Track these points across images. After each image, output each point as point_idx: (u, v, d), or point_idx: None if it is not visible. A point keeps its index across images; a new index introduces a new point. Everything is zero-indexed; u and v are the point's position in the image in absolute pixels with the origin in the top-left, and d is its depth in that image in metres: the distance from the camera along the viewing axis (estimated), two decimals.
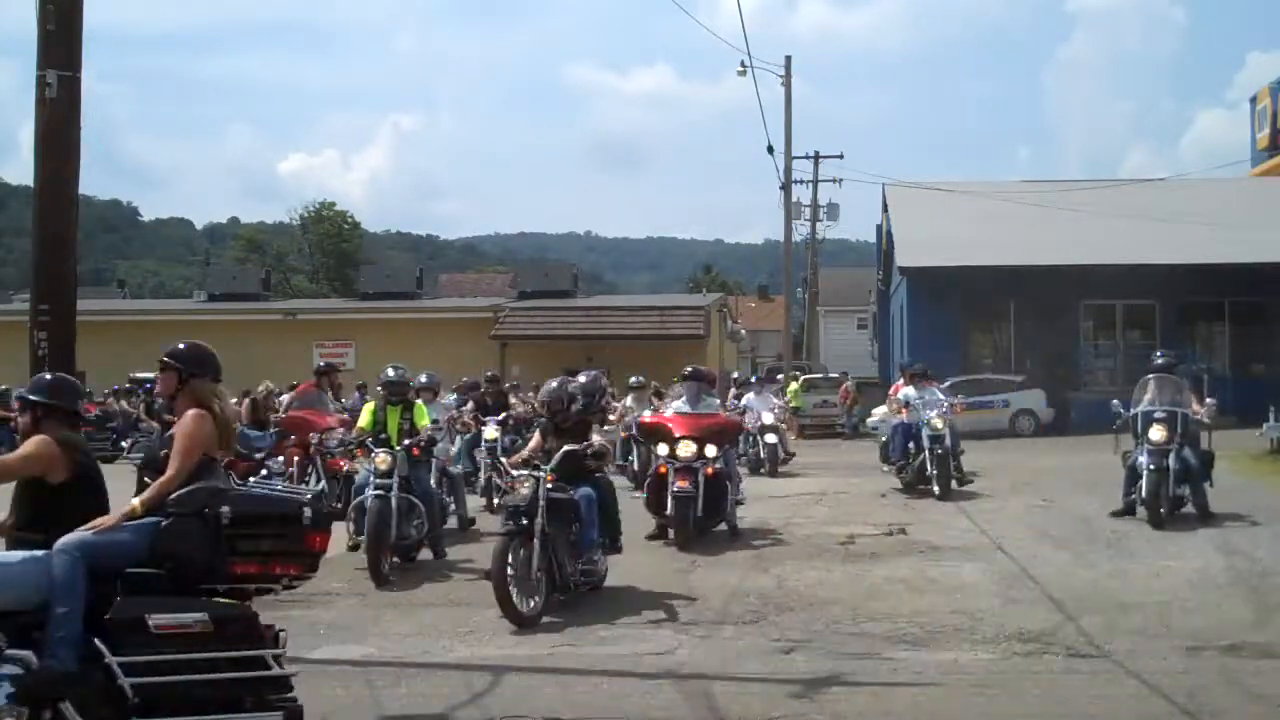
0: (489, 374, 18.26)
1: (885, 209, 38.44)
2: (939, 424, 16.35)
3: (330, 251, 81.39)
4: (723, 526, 13.31)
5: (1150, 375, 13.87)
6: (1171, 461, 12.91)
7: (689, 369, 14.56)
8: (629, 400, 20.11)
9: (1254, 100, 41.84)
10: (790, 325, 46.58)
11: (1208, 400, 13.95)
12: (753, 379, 25.90)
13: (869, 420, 31.94)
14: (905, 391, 17.25)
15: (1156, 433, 13.04)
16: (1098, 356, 32.46)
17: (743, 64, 33.67)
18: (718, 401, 15.32)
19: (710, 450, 12.78)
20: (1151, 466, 12.88)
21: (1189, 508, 13.21)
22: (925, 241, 31.92)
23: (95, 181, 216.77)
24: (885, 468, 18.43)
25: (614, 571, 11.06)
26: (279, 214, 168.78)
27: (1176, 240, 29.84)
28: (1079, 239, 30.65)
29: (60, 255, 9.12)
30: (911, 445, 16.75)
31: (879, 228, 42.86)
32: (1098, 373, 32.01)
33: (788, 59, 38.20)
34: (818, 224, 49.43)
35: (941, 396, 17.21)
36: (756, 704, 6.80)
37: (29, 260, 9.44)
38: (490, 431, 16.78)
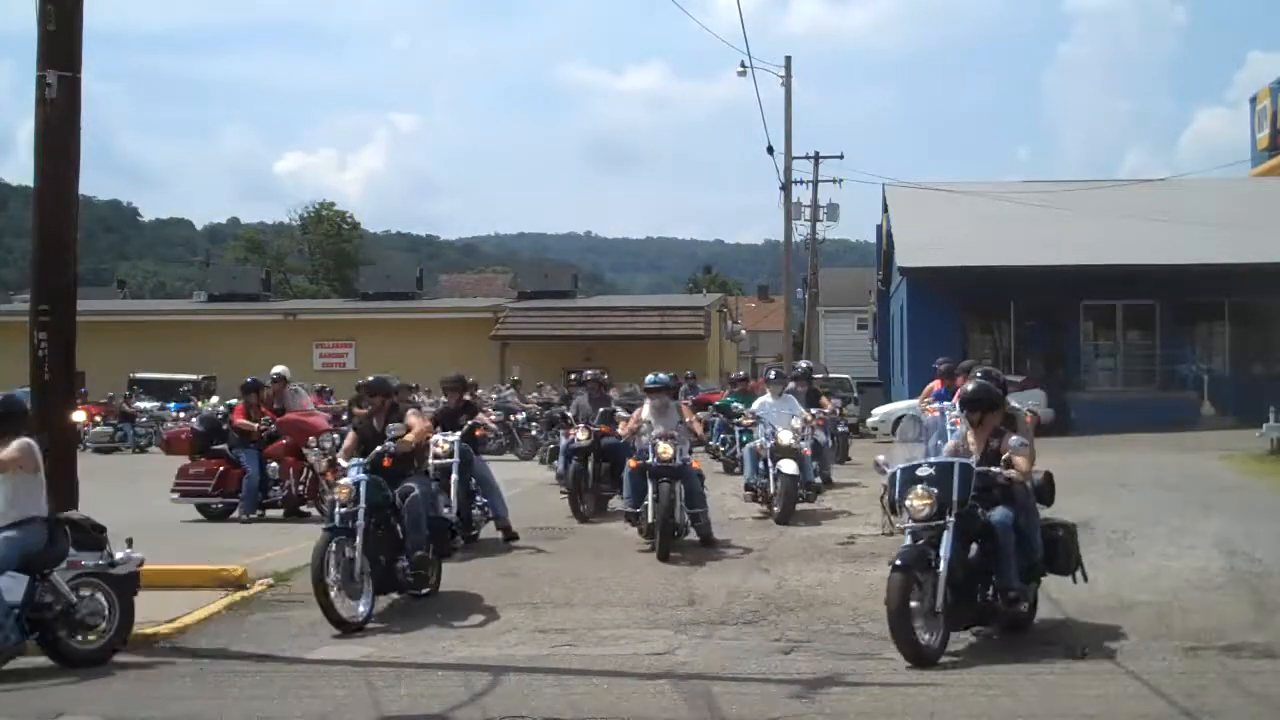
0: (453, 375, 14.28)
1: (885, 209, 38.41)
2: None
3: (330, 252, 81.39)
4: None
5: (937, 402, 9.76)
6: (944, 551, 7.88)
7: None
8: (645, 411, 13.42)
9: (1254, 100, 41.82)
10: (790, 325, 46.57)
11: (1030, 408, 9.75)
12: (771, 374, 17.76)
13: (869, 420, 31.96)
14: None
15: (917, 500, 8.10)
16: (1098, 356, 32.43)
17: (742, 64, 33.67)
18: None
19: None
20: (900, 562, 7.87)
21: (1025, 608, 8.39)
22: (925, 241, 31.90)
23: (95, 181, 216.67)
24: None
25: (614, 572, 11.07)
26: (278, 214, 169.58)
27: (1176, 240, 29.81)
28: (1079, 239, 30.62)
29: (60, 256, 9.13)
30: None
31: (879, 228, 42.83)
32: (1098, 373, 31.99)
33: (788, 59, 38.19)
34: (818, 224, 49.39)
35: (1012, 404, 14.46)
36: (756, 704, 6.80)
37: (29, 260, 9.44)
38: (440, 445, 12.66)
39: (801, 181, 44.22)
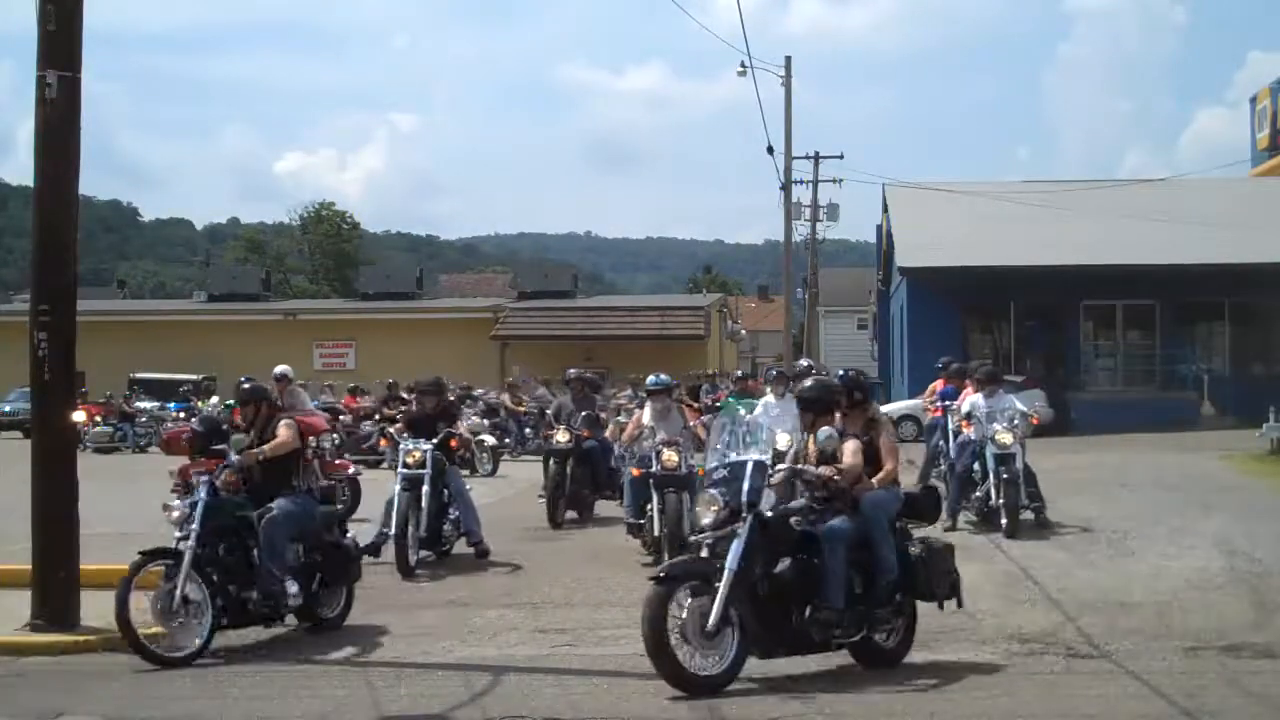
0: (431, 379, 13.10)
1: (885, 209, 38.42)
2: (1007, 439, 12.84)
3: (330, 252, 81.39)
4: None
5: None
6: (730, 561, 7.05)
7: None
8: (646, 414, 12.82)
9: (1254, 100, 41.82)
10: (790, 325, 46.57)
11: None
12: (772, 372, 16.74)
13: None
14: (973, 400, 13.83)
15: (700, 506, 7.56)
16: (1098, 356, 32.44)
17: (743, 64, 33.60)
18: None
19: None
20: (662, 574, 7.28)
21: (892, 637, 7.83)
22: (925, 241, 31.90)
23: (95, 181, 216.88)
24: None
25: (614, 572, 11.07)
26: (278, 214, 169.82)
27: (1176, 240, 29.81)
28: (1079, 239, 30.62)
29: (60, 256, 9.13)
30: (977, 468, 13.33)
31: (879, 228, 42.84)
32: (1098, 373, 32.00)
33: (788, 59, 38.15)
34: (818, 224, 49.39)
35: (1018, 405, 13.64)
36: (756, 704, 6.80)
37: (29, 260, 9.44)
38: (412, 454, 11.77)
39: (801, 181, 44.22)
